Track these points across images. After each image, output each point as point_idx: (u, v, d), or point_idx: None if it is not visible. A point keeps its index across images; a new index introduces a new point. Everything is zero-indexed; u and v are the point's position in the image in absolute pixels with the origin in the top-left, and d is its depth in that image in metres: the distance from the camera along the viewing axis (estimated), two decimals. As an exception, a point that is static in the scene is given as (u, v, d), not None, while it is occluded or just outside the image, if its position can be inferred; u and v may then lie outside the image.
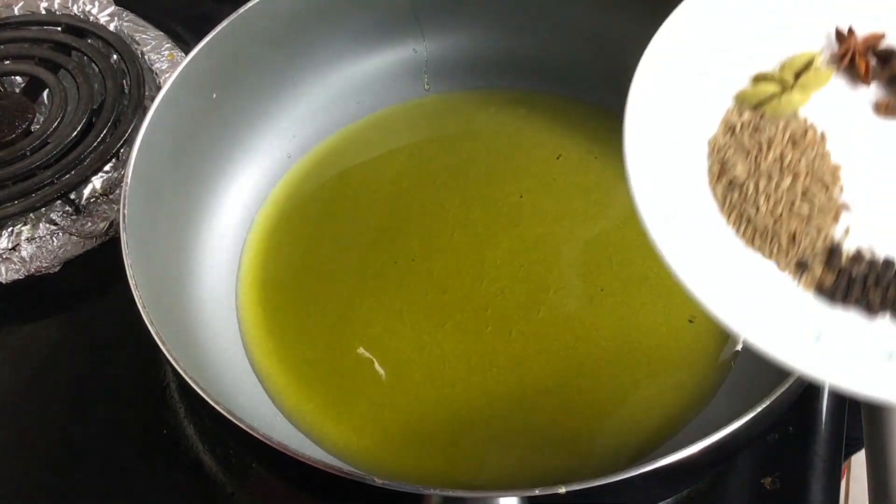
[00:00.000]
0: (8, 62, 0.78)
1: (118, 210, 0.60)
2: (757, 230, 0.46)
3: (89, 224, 0.69)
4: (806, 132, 0.48)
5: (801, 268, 0.45)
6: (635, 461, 0.57)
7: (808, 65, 0.49)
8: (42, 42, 0.79)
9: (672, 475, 0.51)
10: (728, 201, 0.47)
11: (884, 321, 0.43)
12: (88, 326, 0.69)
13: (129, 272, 0.55)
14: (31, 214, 0.69)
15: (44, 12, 0.82)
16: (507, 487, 0.47)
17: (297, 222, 0.71)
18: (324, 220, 0.71)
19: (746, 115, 0.49)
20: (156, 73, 0.77)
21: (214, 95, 0.68)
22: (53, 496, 0.61)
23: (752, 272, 0.45)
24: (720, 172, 0.48)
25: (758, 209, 0.46)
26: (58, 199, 0.69)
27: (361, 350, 0.63)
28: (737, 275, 0.44)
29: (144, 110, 0.63)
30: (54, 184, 0.69)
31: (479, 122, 0.77)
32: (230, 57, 0.68)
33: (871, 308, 0.43)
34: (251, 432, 0.48)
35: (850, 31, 0.50)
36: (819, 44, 0.51)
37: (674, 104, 0.49)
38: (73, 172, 0.70)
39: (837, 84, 0.50)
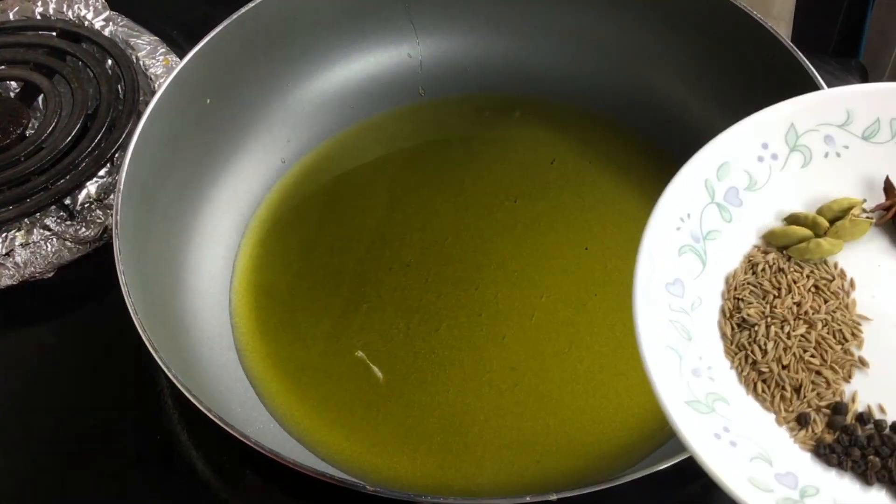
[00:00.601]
0: (3, 67, 0.78)
1: (112, 215, 0.60)
2: (761, 376, 0.45)
3: (83, 230, 0.69)
4: (833, 280, 0.47)
5: (801, 422, 0.43)
6: (629, 467, 0.58)
7: (846, 212, 0.48)
8: (37, 47, 0.79)
9: (664, 481, 0.51)
10: (736, 342, 0.45)
11: (878, 493, 0.41)
12: (82, 332, 0.69)
13: (121, 279, 0.55)
14: (25, 220, 0.69)
15: (39, 17, 0.82)
16: (499, 494, 0.47)
17: (291, 228, 0.71)
18: (318, 226, 0.71)
19: (771, 256, 0.48)
20: (150, 78, 0.77)
21: (208, 101, 0.68)
22: (48, 502, 0.61)
23: (750, 423, 0.43)
24: (733, 310, 0.46)
25: (765, 353, 0.45)
26: (52, 204, 0.69)
27: (358, 353, 0.63)
28: (733, 423, 0.42)
29: (139, 115, 0.63)
30: (48, 189, 0.69)
31: (473, 127, 0.77)
32: (224, 62, 0.68)
33: (867, 477, 0.41)
34: (243, 439, 0.49)
35: None
36: (862, 192, 0.49)
37: (694, 232, 0.47)
38: (67, 178, 0.70)
39: (876, 236, 0.49)
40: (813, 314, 0.46)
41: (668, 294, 0.45)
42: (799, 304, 0.46)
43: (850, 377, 0.45)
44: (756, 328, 0.45)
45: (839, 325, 0.46)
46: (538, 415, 0.60)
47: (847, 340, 0.45)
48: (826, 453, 0.42)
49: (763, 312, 0.46)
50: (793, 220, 0.49)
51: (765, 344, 0.45)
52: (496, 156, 0.75)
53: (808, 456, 0.43)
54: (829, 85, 0.63)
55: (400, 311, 0.65)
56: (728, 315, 0.46)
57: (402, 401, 0.61)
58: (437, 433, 0.60)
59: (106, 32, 0.80)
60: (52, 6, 0.82)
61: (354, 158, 0.75)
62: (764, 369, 0.44)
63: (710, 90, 0.72)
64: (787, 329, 0.45)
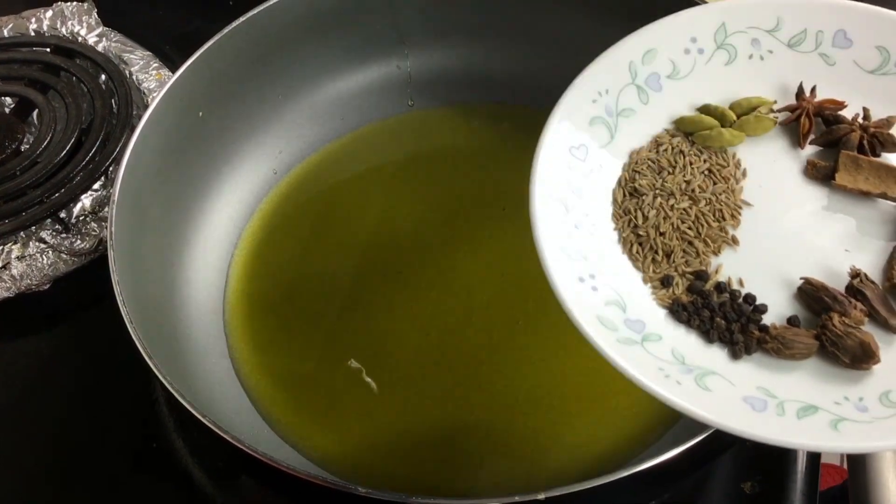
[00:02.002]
0: (-2, 83, 0.79)
1: (106, 228, 0.60)
2: (638, 239, 0.48)
3: (78, 242, 0.69)
4: (727, 166, 0.50)
5: (664, 283, 0.47)
6: (618, 468, 0.58)
7: (754, 109, 0.51)
8: (31, 63, 0.80)
9: (652, 480, 0.51)
10: (623, 207, 0.49)
11: (716, 351, 0.45)
12: (78, 343, 0.69)
13: (116, 289, 0.56)
14: (21, 233, 0.70)
15: (33, 34, 0.83)
16: (489, 494, 0.48)
17: (283, 237, 0.72)
18: (310, 235, 0.72)
19: (677, 139, 0.51)
20: (144, 93, 0.78)
21: (201, 114, 0.69)
22: (45, 510, 0.62)
23: (617, 275, 0.47)
24: (628, 180, 0.50)
25: (646, 219, 0.49)
26: (47, 217, 0.70)
27: (352, 363, 0.64)
28: (600, 272, 0.46)
29: (133, 129, 0.64)
30: (44, 203, 0.70)
31: (462, 137, 0.78)
32: (216, 76, 0.69)
33: (709, 335, 0.45)
34: (237, 444, 0.49)
35: (813, 90, 0.51)
36: (777, 96, 0.52)
37: (609, 107, 0.51)
38: (62, 191, 0.71)
39: (781, 135, 0.52)
40: (699, 192, 0.50)
41: (571, 155, 0.49)
42: (688, 182, 0.50)
43: (719, 252, 0.48)
44: (644, 197, 0.49)
45: (721, 205, 0.49)
46: (529, 418, 0.61)
47: (724, 220, 0.49)
48: (678, 311, 0.46)
49: (654, 185, 0.50)
50: (704, 109, 0.52)
51: (648, 211, 0.49)
52: (485, 165, 0.76)
53: (662, 312, 0.46)
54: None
55: (392, 317, 0.66)
56: (623, 184, 0.50)
57: (395, 406, 0.62)
58: (429, 437, 0.61)
59: (99, 48, 0.81)
60: (45, 23, 0.83)
61: (345, 169, 0.76)
62: (642, 233, 0.48)
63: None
64: (671, 201, 0.49)
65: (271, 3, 0.69)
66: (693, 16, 0.53)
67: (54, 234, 0.70)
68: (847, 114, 0.51)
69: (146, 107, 0.67)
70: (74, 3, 0.83)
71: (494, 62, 0.78)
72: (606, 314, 0.45)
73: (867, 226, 0.48)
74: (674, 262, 0.48)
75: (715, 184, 0.50)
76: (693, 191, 0.50)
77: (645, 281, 0.48)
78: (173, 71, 0.67)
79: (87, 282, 0.70)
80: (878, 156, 0.50)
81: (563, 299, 0.44)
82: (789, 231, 0.49)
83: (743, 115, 0.51)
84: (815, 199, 0.49)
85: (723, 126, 0.51)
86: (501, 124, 0.78)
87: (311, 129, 0.76)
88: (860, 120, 0.51)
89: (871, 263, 0.47)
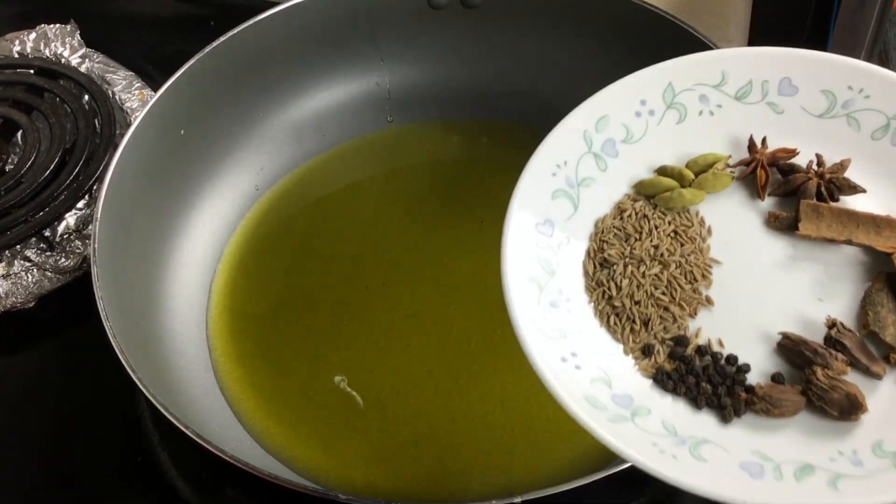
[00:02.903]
0: (-18, 105, 0.80)
1: (90, 245, 0.61)
2: (614, 310, 0.48)
3: (63, 260, 0.70)
4: (691, 226, 0.51)
5: (645, 352, 0.47)
6: (596, 472, 0.59)
7: (710, 166, 0.51)
8: (15, 84, 0.81)
9: (630, 482, 0.52)
10: (596, 279, 0.49)
11: (706, 417, 0.45)
12: (64, 359, 0.70)
13: (99, 304, 0.57)
14: (6, 252, 0.70)
15: (17, 56, 0.84)
16: (469, 499, 0.49)
17: (265, 253, 0.73)
18: (291, 250, 0.73)
19: (639, 203, 0.51)
20: (126, 112, 0.79)
21: (183, 132, 0.70)
22: (32, 527, 0.63)
23: (598, 351, 0.47)
24: (597, 251, 0.50)
25: (620, 289, 0.49)
26: (32, 236, 0.71)
27: (337, 379, 0.65)
28: (581, 350, 0.46)
29: (116, 148, 0.65)
30: (28, 222, 0.71)
31: (441, 152, 0.79)
32: (197, 94, 0.70)
33: (697, 402, 0.45)
34: (220, 454, 0.50)
35: (764, 141, 0.52)
36: (730, 149, 0.53)
37: (570, 178, 0.51)
38: (46, 210, 0.72)
39: (739, 189, 0.52)
40: (668, 256, 0.50)
41: (538, 233, 0.49)
42: (657, 247, 0.50)
43: (695, 314, 0.48)
44: (615, 267, 0.49)
45: (691, 266, 0.49)
46: (507, 424, 0.62)
47: (697, 281, 0.49)
48: (663, 379, 0.46)
49: (623, 253, 0.50)
50: (662, 171, 0.52)
51: (621, 281, 0.49)
52: (463, 179, 0.77)
53: (648, 382, 0.46)
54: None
55: (374, 329, 0.67)
56: (592, 255, 0.50)
57: (377, 416, 0.63)
58: (410, 446, 0.62)
59: (82, 69, 0.82)
60: (29, 45, 0.84)
61: (326, 184, 0.77)
62: (617, 304, 0.48)
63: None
64: (642, 269, 0.49)
65: (250, 22, 0.71)
66: (640, 78, 0.53)
67: (39, 252, 0.71)
68: (800, 160, 0.52)
69: (129, 126, 0.68)
70: (58, 25, 0.85)
71: (471, 79, 0.80)
72: (593, 393, 0.44)
73: (836, 270, 0.49)
74: (652, 329, 0.48)
75: (682, 245, 0.50)
76: (662, 255, 0.50)
77: (626, 352, 0.47)
78: (156, 90, 0.68)
79: (72, 299, 0.71)
80: (837, 200, 0.51)
81: (551, 385, 0.43)
82: (761, 285, 0.49)
83: (700, 173, 0.52)
84: (781, 249, 0.50)
85: (682, 186, 0.51)
86: (479, 139, 0.80)
87: (292, 146, 0.78)
88: (815, 167, 0.51)
89: (845, 309, 0.47)
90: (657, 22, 0.71)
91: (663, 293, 0.49)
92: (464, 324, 0.67)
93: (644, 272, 0.49)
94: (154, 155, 0.68)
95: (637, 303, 0.48)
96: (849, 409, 0.43)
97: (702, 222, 0.51)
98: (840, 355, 0.45)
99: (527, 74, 0.79)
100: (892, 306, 0.47)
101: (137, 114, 0.72)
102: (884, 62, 2.42)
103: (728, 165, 0.52)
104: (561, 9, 0.75)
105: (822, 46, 1.36)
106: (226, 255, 0.72)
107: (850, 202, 0.50)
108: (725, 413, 0.44)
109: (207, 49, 0.70)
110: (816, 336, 0.46)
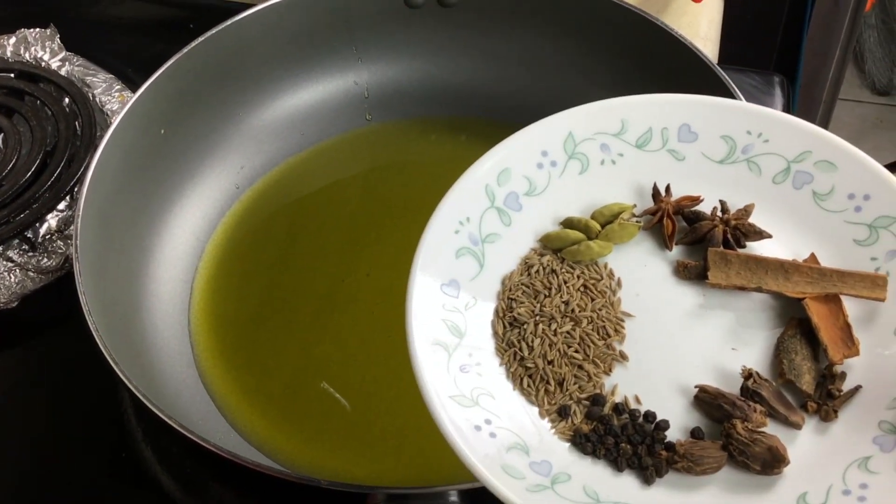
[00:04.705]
0: (-37, 109, 0.81)
1: (72, 246, 0.62)
2: (527, 371, 0.47)
3: (45, 260, 0.71)
4: (601, 279, 0.50)
5: (561, 414, 0.46)
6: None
7: (616, 216, 0.51)
8: (-4, 88, 0.82)
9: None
10: (506, 339, 0.48)
11: (627, 479, 0.44)
12: (47, 358, 0.71)
13: (82, 300, 0.57)
14: (-12, 253, 0.71)
15: (-4, 60, 0.85)
16: (447, 482, 0.50)
17: (246, 250, 0.74)
18: (272, 248, 0.74)
19: (546, 258, 0.50)
20: (107, 114, 0.79)
21: (163, 131, 0.71)
22: (17, 525, 0.63)
23: (513, 415, 0.45)
24: (506, 310, 0.49)
25: (532, 350, 0.47)
26: (14, 237, 0.71)
27: (324, 385, 0.66)
28: (496, 416, 0.45)
29: (96, 149, 0.65)
30: (10, 223, 0.72)
31: (420, 150, 0.80)
32: (177, 94, 0.71)
33: (618, 464, 0.44)
34: (202, 443, 0.51)
35: (668, 189, 0.52)
36: (635, 197, 0.52)
37: (473, 236, 0.50)
38: (27, 212, 0.72)
39: (646, 238, 0.51)
40: (579, 312, 0.49)
41: (443, 294, 0.48)
42: (567, 303, 0.49)
43: (610, 370, 0.47)
44: (525, 326, 0.48)
45: (603, 321, 0.48)
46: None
47: (610, 336, 0.48)
48: (582, 442, 0.45)
49: (533, 311, 0.49)
50: (567, 223, 0.52)
51: (532, 341, 0.47)
52: (442, 176, 0.77)
53: (566, 446, 0.45)
54: (753, 99, 0.67)
55: (356, 322, 0.69)
56: (501, 314, 0.49)
57: (358, 408, 0.64)
58: (391, 436, 0.62)
59: (62, 72, 0.83)
60: (9, 49, 0.84)
61: (306, 183, 0.78)
62: (530, 365, 0.47)
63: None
64: (553, 326, 0.48)
65: (229, 23, 0.72)
66: (540, 129, 0.53)
67: (21, 252, 0.71)
68: (705, 206, 0.51)
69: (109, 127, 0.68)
70: (37, 29, 0.85)
71: (449, 77, 0.81)
72: (510, 461, 0.43)
73: (747, 317, 0.48)
74: (567, 390, 0.46)
75: (593, 300, 0.49)
76: (573, 311, 0.49)
77: (542, 415, 0.46)
78: (136, 92, 0.68)
79: (55, 299, 0.71)
80: (744, 247, 0.50)
81: (465, 457, 0.42)
82: (674, 337, 0.48)
83: (607, 224, 0.51)
84: (691, 298, 0.49)
85: (589, 238, 0.51)
86: (458, 136, 0.81)
87: (272, 145, 0.78)
88: (719, 213, 0.51)
89: (759, 357, 0.47)
90: (630, 19, 0.72)
91: (576, 351, 0.48)
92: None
93: (556, 330, 0.48)
94: (134, 155, 0.68)
95: (550, 362, 0.47)
96: (771, 462, 0.43)
97: (611, 274, 0.50)
98: (759, 407, 0.44)
99: (504, 72, 0.80)
100: (806, 353, 0.46)
101: (117, 115, 0.72)
102: (859, 62, 2.44)
103: (634, 215, 0.52)
104: (536, 7, 0.76)
105: (796, 46, 1.38)
106: (207, 252, 0.73)
107: (757, 247, 0.50)
108: (647, 474, 0.43)
109: (186, 49, 0.71)
110: (733, 387, 0.46)
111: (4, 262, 0.71)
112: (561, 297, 0.49)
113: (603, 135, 0.53)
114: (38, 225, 0.72)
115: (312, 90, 0.80)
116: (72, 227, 0.72)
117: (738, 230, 0.50)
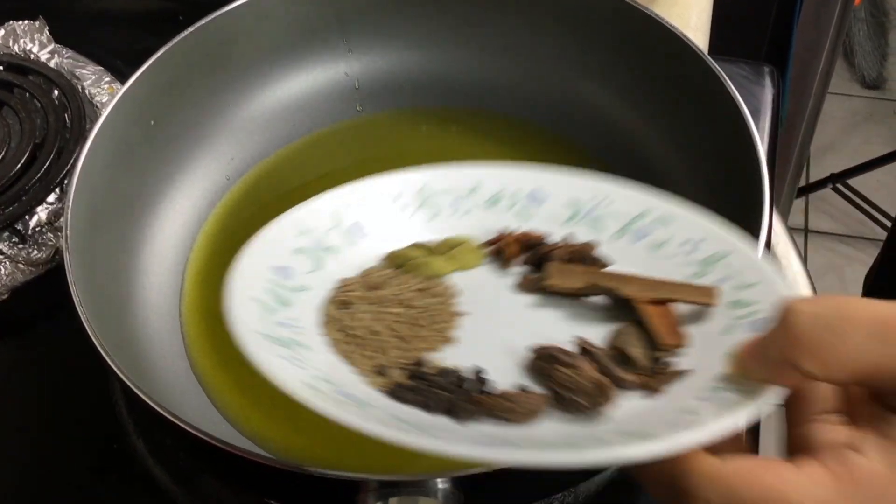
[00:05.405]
0: (-49, 102, 0.80)
1: (62, 238, 0.62)
2: (350, 339, 0.47)
3: (35, 252, 0.71)
4: (439, 286, 0.50)
5: (380, 373, 0.45)
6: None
7: (461, 244, 0.52)
8: (-16, 81, 0.81)
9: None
10: (332, 317, 0.48)
11: (441, 419, 0.43)
12: (37, 351, 0.71)
13: (73, 290, 0.57)
14: (-23, 245, 0.71)
15: (-15, 53, 0.84)
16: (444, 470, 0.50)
17: (236, 242, 0.71)
18: (263, 238, 0.74)
19: (388, 270, 0.51)
20: (97, 106, 0.79)
21: (153, 122, 0.71)
22: (8, 518, 0.63)
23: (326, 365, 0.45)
24: (337, 297, 0.49)
25: (358, 323, 0.47)
26: (4, 229, 0.71)
27: None
28: (307, 362, 0.45)
29: (86, 141, 0.65)
30: (0, 215, 0.72)
31: (411, 141, 0.80)
32: (166, 85, 0.71)
33: (428, 406, 0.43)
34: (194, 432, 0.51)
35: (511, 232, 0.53)
36: (482, 237, 0.53)
37: (319, 242, 0.52)
38: (17, 204, 0.72)
39: (489, 266, 0.52)
40: (411, 302, 0.49)
41: (273, 273, 0.49)
42: (399, 294, 0.49)
43: (439, 348, 0.47)
44: (355, 306, 0.48)
45: (436, 311, 0.49)
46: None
47: (440, 323, 0.48)
48: (400, 392, 0.44)
49: (366, 297, 0.49)
50: (416, 246, 0.52)
51: (361, 316, 0.48)
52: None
53: (379, 392, 0.44)
54: (742, 89, 0.67)
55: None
56: (332, 299, 0.49)
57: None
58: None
59: (52, 64, 0.82)
60: (-3, 42, 0.84)
61: (297, 174, 0.78)
62: (353, 333, 0.47)
63: (637, 98, 0.75)
64: (384, 309, 0.48)
65: (218, 13, 0.71)
66: (398, 178, 0.55)
67: (11, 245, 0.71)
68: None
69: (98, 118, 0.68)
70: (26, 22, 0.85)
71: (439, 68, 0.81)
72: (315, 384, 0.43)
73: (586, 313, 0.49)
74: (389, 354, 0.46)
75: (427, 298, 0.49)
76: (405, 300, 0.49)
77: (359, 374, 0.45)
78: (125, 84, 0.68)
79: (45, 291, 0.71)
80: None
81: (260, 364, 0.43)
82: (511, 327, 0.48)
83: (452, 249, 0.52)
84: (530, 300, 0.50)
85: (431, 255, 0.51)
86: (449, 127, 0.81)
87: (263, 136, 0.78)
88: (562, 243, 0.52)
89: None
90: (622, 9, 0.72)
91: (406, 328, 0.47)
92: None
93: (387, 311, 0.48)
94: (124, 146, 0.68)
95: (376, 333, 0.47)
96: (596, 394, 0.42)
97: (450, 285, 0.51)
98: (589, 360, 0.44)
99: (495, 63, 0.80)
100: (638, 342, 0.46)
101: (107, 107, 0.72)
102: (849, 56, 2.45)
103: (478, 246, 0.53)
104: (527, -3, 0.76)
105: (786, 39, 1.38)
106: (198, 244, 0.73)
107: None
108: (459, 413, 0.42)
109: (175, 40, 0.70)
110: None
111: (-6, 255, 0.70)
112: (396, 292, 0.49)
113: (456, 191, 0.55)
114: (27, 217, 0.72)
115: (303, 81, 0.79)
116: (62, 220, 0.72)
117: (577, 254, 0.51)
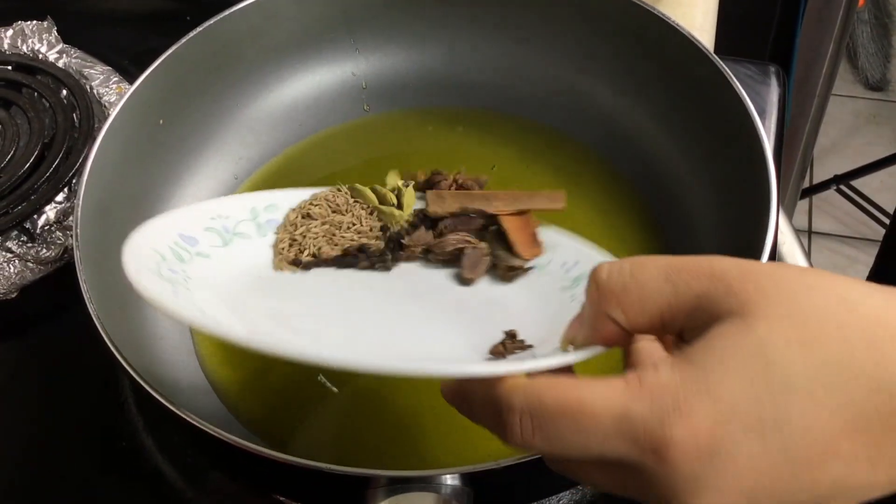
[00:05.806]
0: (-40, 102, 0.81)
1: (71, 236, 0.62)
2: (294, 241, 0.55)
3: (44, 251, 0.71)
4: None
5: (295, 263, 0.54)
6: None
7: (397, 188, 0.59)
8: (-7, 81, 0.82)
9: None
10: (291, 223, 0.56)
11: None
12: (47, 349, 0.71)
13: (83, 287, 0.58)
14: (-13, 244, 0.71)
15: (-6, 53, 0.85)
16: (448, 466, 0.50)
17: (245, 240, 0.73)
18: (271, 237, 0.74)
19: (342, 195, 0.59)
20: (105, 106, 0.79)
21: (161, 122, 0.71)
22: (17, 514, 0.63)
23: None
24: (302, 208, 0.58)
25: (310, 231, 0.55)
26: (13, 228, 0.72)
27: (320, 378, 0.66)
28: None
29: (94, 141, 0.65)
30: (9, 214, 0.72)
31: (417, 140, 0.80)
32: (174, 85, 0.71)
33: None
34: (203, 428, 0.51)
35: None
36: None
37: (227, 228, 0.55)
38: (26, 203, 0.73)
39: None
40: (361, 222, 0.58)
41: (180, 238, 0.52)
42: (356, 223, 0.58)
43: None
44: (314, 221, 0.56)
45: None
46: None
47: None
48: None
49: (326, 216, 0.57)
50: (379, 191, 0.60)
51: (315, 230, 0.56)
52: (440, 166, 0.78)
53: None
54: (748, 89, 0.68)
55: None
56: (297, 209, 0.57)
57: (356, 401, 0.64)
58: (388, 428, 0.62)
59: (60, 64, 0.83)
60: (6, 41, 0.84)
61: (304, 173, 0.78)
62: (298, 238, 0.55)
63: (643, 98, 0.76)
64: (335, 224, 0.57)
65: (226, 13, 0.72)
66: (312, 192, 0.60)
67: (20, 244, 0.71)
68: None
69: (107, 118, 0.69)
70: (34, 22, 0.85)
71: (446, 68, 0.81)
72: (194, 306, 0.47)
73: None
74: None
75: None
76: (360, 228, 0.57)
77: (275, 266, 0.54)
78: (133, 84, 0.69)
79: (54, 290, 0.71)
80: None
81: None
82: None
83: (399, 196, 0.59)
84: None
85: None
86: (456, 127, 0.81)
87: (270, 135, 0.79)
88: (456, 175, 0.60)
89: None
90: (628, 9, 0.72)
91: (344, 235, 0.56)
92: (442, 304, 0.68)
93: (337, 226, 0.57)
94: (133, 145, 0.69)
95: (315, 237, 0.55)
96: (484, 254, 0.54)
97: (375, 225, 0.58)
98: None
99: (501, 63, 0.80)
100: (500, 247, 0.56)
101: (115, 107, 0.72)
102: (852, 57, 2.45)
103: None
104: (533, -3, 0.76)
105: (790, 40, 1.39)
106: (206, 243, 0.73)
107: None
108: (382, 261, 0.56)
109: (183, 40, 0.71)
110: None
111: (3, 253, 0.71)
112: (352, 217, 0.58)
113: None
114: (36, 216, 0.72)
115: (310, 80, 0.80)
116: (70, 218, 0.72)
117: (460, 184, 0.60)
